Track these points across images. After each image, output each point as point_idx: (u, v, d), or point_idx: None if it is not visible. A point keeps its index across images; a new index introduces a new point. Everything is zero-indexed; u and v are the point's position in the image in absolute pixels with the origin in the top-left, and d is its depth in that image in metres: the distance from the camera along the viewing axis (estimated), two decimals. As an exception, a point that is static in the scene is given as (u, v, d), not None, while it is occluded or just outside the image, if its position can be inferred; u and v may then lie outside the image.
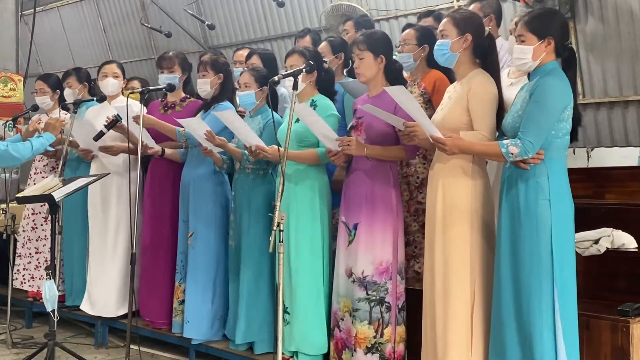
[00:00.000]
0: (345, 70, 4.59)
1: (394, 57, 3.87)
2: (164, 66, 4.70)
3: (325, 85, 4.01)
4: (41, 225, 5.48)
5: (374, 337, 3.57)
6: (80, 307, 5.07)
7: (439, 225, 3.32)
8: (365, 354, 3.58)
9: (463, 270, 3.25)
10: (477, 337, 3.26)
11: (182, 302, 4.49)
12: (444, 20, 3.40)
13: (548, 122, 3.01)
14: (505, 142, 3.05)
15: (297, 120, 3.85)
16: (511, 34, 3.84)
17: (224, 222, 4.43)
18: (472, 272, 3.26)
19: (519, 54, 3.13)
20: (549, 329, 2.99)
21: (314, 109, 3.79)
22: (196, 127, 4.09)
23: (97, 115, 4.98)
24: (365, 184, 3.64)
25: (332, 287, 3.81)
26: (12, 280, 5.20)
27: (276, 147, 3.74)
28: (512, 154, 3.02)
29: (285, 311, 3.86)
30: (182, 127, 4.39)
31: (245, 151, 4.00)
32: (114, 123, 4.54)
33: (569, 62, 3.15)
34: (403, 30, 4.27)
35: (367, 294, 3.58)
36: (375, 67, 3.66)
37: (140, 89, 4.46)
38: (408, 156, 3.67)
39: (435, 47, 3.43)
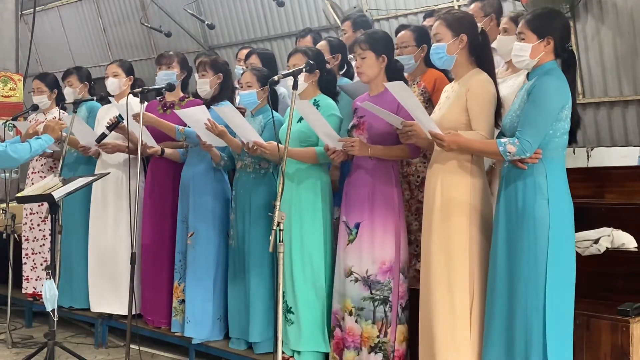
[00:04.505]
0: (341, 72, 4.58)
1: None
2: (162, 62, 4.70)
3: (327, 85, 4.01)
4: (38, 225, 5.48)
5: (378, 336, 3.57)
6: (91, 308, 5.07)
7: (437, 218, 3.31)
8: (369, 353, 3.58)
9: (462, 263, 3.24)
10: (476, 334, 3.25)
11: (182, 301, 4.50)
12: (437, 24, 3.39)
13: (545, 122, 3.01)
14: (503, 140, 3.06)
15: (300, 120, 3.85)
16: (499, 34, 3.85)
17: (224, 221, 4.43)
18: (471, 266, 3.25)
19: (517, 51, 3.14)
20: (538, 329, 2.99)
21: (317, 108, 3.78)
22: (198, 117, 4.08)
23: (105, 115, 5.01)
24: (366, 183, 3.64)
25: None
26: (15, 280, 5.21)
27: (274, 143, 3.75)
28: (509, 152, 3.02)
29: (289, 311, 3.86)
30: (181, 125, 4.40)
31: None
32: (116, 124, 4.55)
33: (568, 64, 3.15)
34: (397, 32, 4.25)
35: (371, 293, 3.58)
36: (377, 67, 3.66)
37: (140, 89, 4.46)
38: (411, 155, 3.67)
39: (431, 50, 3.42)
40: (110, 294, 4.93)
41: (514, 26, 3.63)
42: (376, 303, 3.58)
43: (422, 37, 3.93)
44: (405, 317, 3.64)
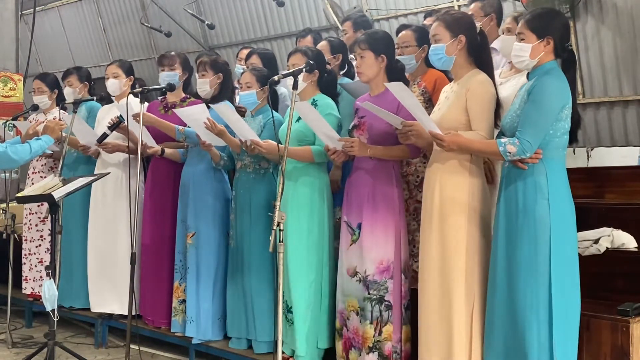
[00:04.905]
0: (341, 72, 4.58)
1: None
2: (165, 64, 4.69)
3: (327, 86, 4.01)
4: (36, 225, 5.48)
5: (374, 335, 3.58)
6: (91, 308, 5.06)
7: (435, 217, 3.31)
8: (367, 353, 3.59)
9: (459, 262, 3.24)
10: (477, 335, 3.25)
11: (183, 301, 4.50)
12: (435, 24, 3.39)
13: (546, 122, 3.01)
14: (503, 140, 3.05)
15: (298, 120, 3.85)
16: (503, 33, 3.85)
17: (224, 221, 4.43)
18: (469, 265, 3.25)
19: (517, 52, 3.13)
20: (544, 330, 2.99)
21: (315, 108, 3.78)
22: (197, 116, 4.09)
23: (106, 115, 5.02)
24: (367, 184, 3.64)
25: (336, 286, 3.81)
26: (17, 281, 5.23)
27: (270, 141, 3.76)
28: (509, 152, 3.02)
29: (289, 310, 3.86)
30: (182, 125, 4.40)
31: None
32: (116, 124, 4.54)
33: (568, 63, 3.15)
34: (398, 31, 4.25)
35: (369, 293, 3.59)
36: (376, 67, 3.66)
37: (140, 89, 4.46)
38: (411, 155, 3.67)
39: (430, 51, 3.42)
40: (110, 294, 4.94)
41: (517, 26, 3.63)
42: (373, 303, 3.58)
43: (424, 37, 3.93)
44: (408, 318, 3.65)
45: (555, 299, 2.97)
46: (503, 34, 3.85)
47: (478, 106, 3.25)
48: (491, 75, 3.34)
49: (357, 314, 3.64)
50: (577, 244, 3.12)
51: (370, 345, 3.58)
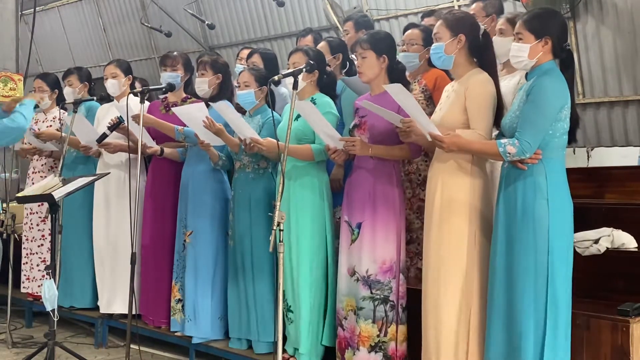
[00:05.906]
0: (343, 71, 4.58)
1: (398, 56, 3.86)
2: (167, 64, 4.68)
3: (327, 88, 4.01)
4: (37, 225, 5.48)
5: (378, 335, 3.58)
6: (101, 309, 5.05)
7: (437, 218, 3.31)
8: (369, 352, 3.58)
9: (460, 264, 3.24)
10: (475, 335, 3.25)
11: (179, 300, 4.50)
12: (437, 23, 3.40)
13: (545, 122, 3.01)
14: (503, 141, 3.05)
15: (297, 118, 3.85)
16: (495, 34, 3.85)
17: (223, 220, 4.43)
18: (469, 266, 3.25)
19: (516, 52, 3.13)
20: (540, 329, 2.99)
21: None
22: (195, 114, 4.08)
23: (106, 114, 5.02)
24: (368, 183, 3.64)
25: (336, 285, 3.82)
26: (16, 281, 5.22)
27: (270, 139, 3.77)
28: (509, 153, 3.02)
29: (289, 310, 3.86)
30: (181, 125, 4.40)
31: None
32: (116, 125, 4.54)
33: (566, 63, 3.15)
34: (405, 29, 4.26)
35: (371, 292, 3.58)
36: (377, 67, 3.66)
37: (140, 89, 4.45)
38: (412, 155, 3.66)
39: (431, 50, 3.43)
40: (115, 294, 4.93)
41: (511, 27, 3.63)
42: (376, 302, 3.58)
43: (431, 38, 3.93)
44: (405, 317, 3.65)
45: (550, 299, 2.98)
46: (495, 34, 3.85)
47: (476, 105, 3.25)
48: (494, 75, 3.34)
49: (354, 313, 3.64)
50: (572, 244, 3.12)
51: (373, 344, 3.58)
